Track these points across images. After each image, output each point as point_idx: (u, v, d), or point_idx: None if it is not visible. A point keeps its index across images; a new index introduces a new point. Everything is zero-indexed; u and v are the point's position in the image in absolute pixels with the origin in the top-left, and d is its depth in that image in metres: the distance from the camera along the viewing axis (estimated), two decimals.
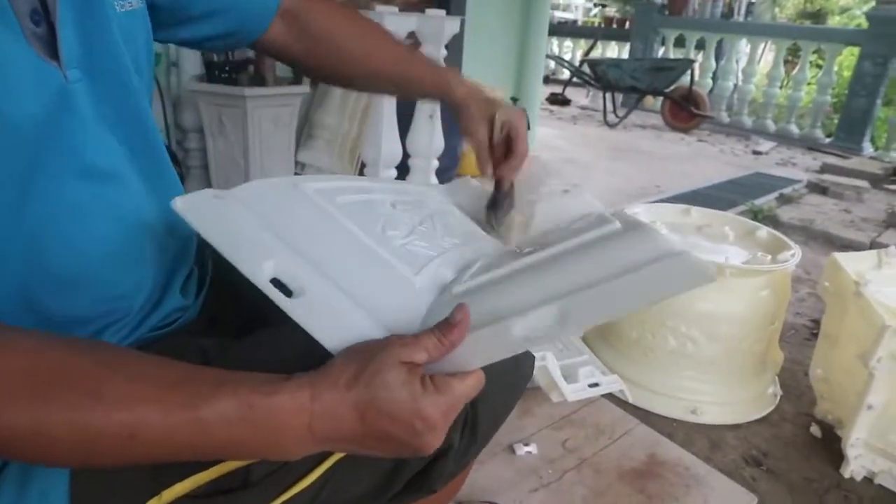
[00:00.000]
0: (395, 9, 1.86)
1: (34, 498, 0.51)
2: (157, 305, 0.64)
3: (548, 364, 1.33)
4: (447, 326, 0.50)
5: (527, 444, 1.32)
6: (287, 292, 0.52)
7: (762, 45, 6.53)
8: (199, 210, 0.54)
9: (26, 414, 0.41)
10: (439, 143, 2.13)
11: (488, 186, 0.89)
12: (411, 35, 1.93)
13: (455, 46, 3.14)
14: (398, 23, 1.80)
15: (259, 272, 0.52)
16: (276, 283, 0.52)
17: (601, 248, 0.52)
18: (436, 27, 1.90)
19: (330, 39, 0.83)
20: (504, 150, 0.86)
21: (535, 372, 1.37)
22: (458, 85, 0.88)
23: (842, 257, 1.45)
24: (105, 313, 0.58)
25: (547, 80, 6.78)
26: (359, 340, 0.51)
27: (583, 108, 7.05)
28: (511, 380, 0.74)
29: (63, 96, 0.52)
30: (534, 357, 0.80)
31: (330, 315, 0.51)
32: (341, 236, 0.61)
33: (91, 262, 0.56)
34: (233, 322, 0.74)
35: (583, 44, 8.49)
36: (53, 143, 0.52)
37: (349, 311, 0.53)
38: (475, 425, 0.66)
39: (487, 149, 0.86)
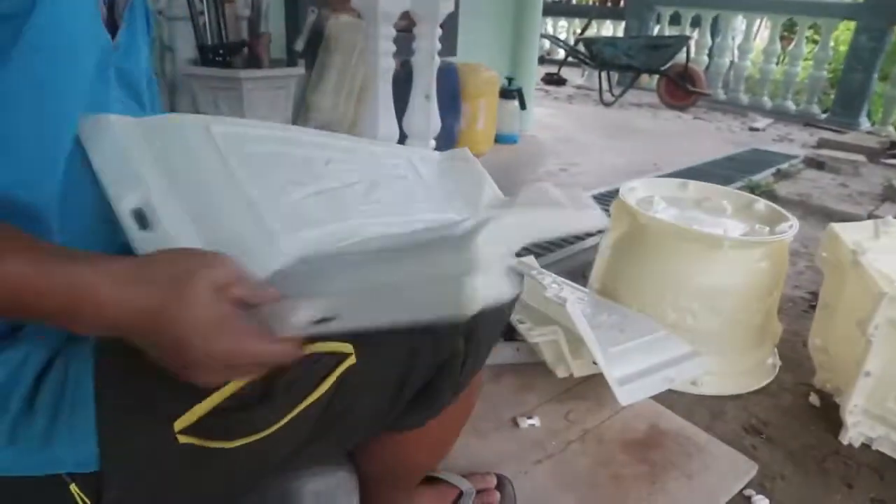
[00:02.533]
0: None
1: (64, 426, 0.53)
2: None
3: (559, 339, 1.34)
4: (258, 295, 0.52)
5: (530, 418, 1.33)
6: (144, 226, 0.55)
7: (758, 21, 6.49)
8: (98, 130, 0.56)
9: None
10: (436, 123, 2.12)
11: None
12: (405, 15, 1.92)
13: (450, 26, 3.12)
14: (393, 3, 1.79)
15: (123, 200, 0.54)
16: (139, 215, 0.55)
17: (418, 252, 0.52)
18: (431, 6, 1.88)
19: None
20: None
21: (539, 347, 1.39)
22: None
23: (840, 227, 1.46)
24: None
25: (542, 60, 6.72)
26: None
27: (578, 87, 7.02)
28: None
29: (103, 62, 0.59)
30: (522, 275, 0.80)
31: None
32: (220, 182, 0.61)
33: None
34: None
35: (577, 23, 8.42)
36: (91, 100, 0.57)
37: None
38: (478, 335, 0.67)
39: None
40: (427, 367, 0.65)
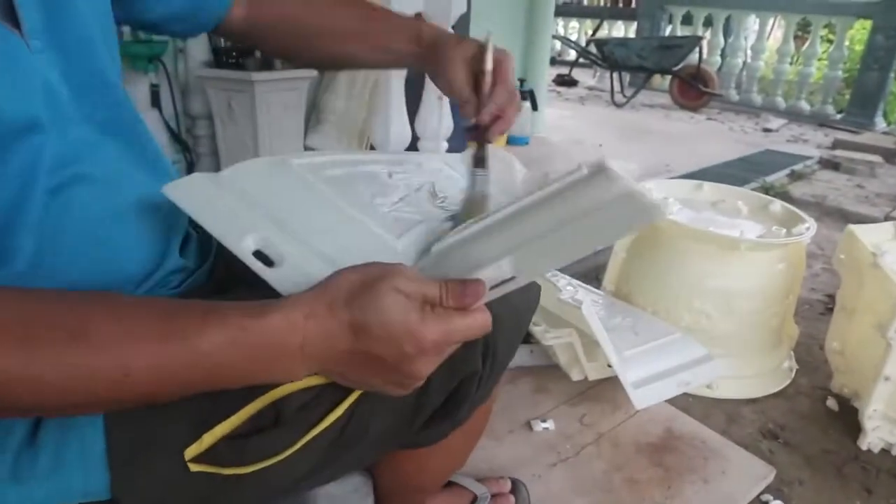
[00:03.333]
0: None
1: (74, 456, 0.52)
2: (158, 265, 0.63)
3: (574, 342, 1.33)
4: (457, 292, 0.51)
5: (544, 421, 1.33)
6: (269, 263, 0.56)
7: (771, 21, 6.44)
8: (187, 193, 0.58)
9: (14, 358, 0.41)
10: (448, 124, 2.12)
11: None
12: (418, 15, 1.92)
13: (462, 27, 3.11)
14: (405, 3, 1.79)
15: (242, 246, 0.56)
16: (259, 255, 0.56)
17: (557, 197, 0.52)
18: (443, 7, 1.88)
19: (286, 19, 0.81)
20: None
21: (553, 350, 1.38)
22: (428, 29, 0.80)
23: (858, 229, 1.44)
24: (104, 272, 0.58)
25: (553, 61, 6.72)
26: None
27: (590, 88, 7.00)
28: (521, 307, 0.74)
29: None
30: (539, 287, 0.79)
31: (308, 281, 0.53)
32: (323, 207, 0.65)
33: (78, 231, 0.55)
34: (242, 292, 0.74)
35: (589, 24, 8.41)
36: None
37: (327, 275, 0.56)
38: (495, 351, 0.67)
39: (472, 92, 0.75)
40: (444, 387, 0.64)
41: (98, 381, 0.43)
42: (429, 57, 0.79)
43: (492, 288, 0.53)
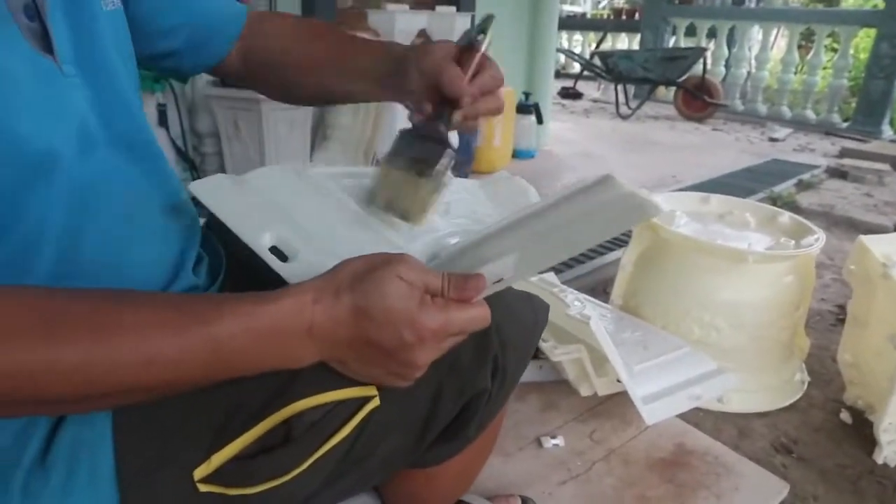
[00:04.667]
0: (406, 7, 1.86)
1: (84, 477, 0.52)
2: (171, 282, 0.64)
3: (583, 357, 1.32)
4: (459, 284, 0.52)
5: (553, 437, 1.31)
6: (284, 259, 0.60)
7: (775, 31, 6.45)
8: (210, 191, 0.62)
9: (38, 352, 0.42)
10: (453, 140, 2.13)
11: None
12: (422, 33, 1.93)
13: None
14: (409, 20, 1.80)
15: (259, 241, 0.60)
16: (275, 251, 0.60)
17: (564, 201, 0.54)
18: (446, 24, 1.90)
19: (275, 62, 0.81)
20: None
21: (562, 365, 1.37)
22: (398, 45, 0.78)
23: (868, 240, 1.43)
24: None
25: (558, 74, 6.75)
26: None
27: (595, 100, 7.00)
28: (530, 326, 0.74)
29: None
30: (548, 306, 0.80)
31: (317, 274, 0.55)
32: (338, 210, 0.69)
33: (98, 245, 0.56)
34: None
35: (592, 36, 8.43)
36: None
37: None
38: (504, 370, 0.67)
39: (460, 75, 0.69)
40: (452, 406, 0.64)
41: (122, 372, 0.45)
42: (408, 56, 0.74)
43: (491, 284, 0.55)
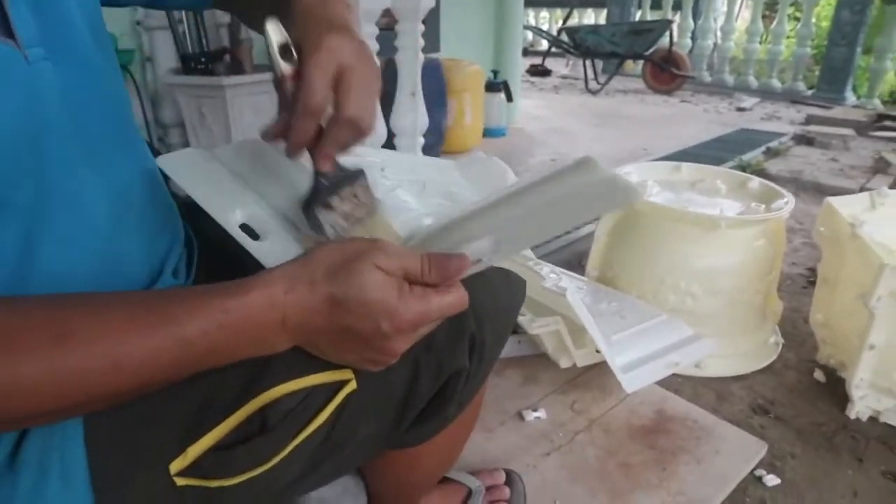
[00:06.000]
0: None
1: (55, 478, 0.50)
2: (154, 281, 0.62)
3: (560, 329, 1.33)
4: (442, 264, 0.51)
5: (535, 410, 1.32)
6: (255, 237, 0.58)
7: (739, 1, 6.49)
8: (179, 165, 0.60)
9: (0, 369, 0.40)
10: (423, 120, 2.10)
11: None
12: (387, 12, 1.90)
13: (432, 22, 3.10)
14: (374, 0, 1.77)
15: (229, 218, 0.58)
16: (246, 228, 0.58)
17: (545, 182, 0.55)
18: (412, 2, 1.87)
19: None
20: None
21: (540, 338, 1.37)
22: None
23: (836, 201, 1.45)
24: (104, 286, 0.56)
25: (526, 51, 6.72)
26: None
27: (564, 77, 7.02)
28: (508, 303, 0.73)
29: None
30: (524, 282, 0.79)
31: (292, 255, 0.54)
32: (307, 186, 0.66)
33: (84, 245, 0.54)
34: None
35: (559, 13, 8.42)
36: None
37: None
38: (482, 348, 0.66)
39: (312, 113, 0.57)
40: (431, 386, 0.63)
41: (90, 379, 0.43)
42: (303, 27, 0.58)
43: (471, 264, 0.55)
